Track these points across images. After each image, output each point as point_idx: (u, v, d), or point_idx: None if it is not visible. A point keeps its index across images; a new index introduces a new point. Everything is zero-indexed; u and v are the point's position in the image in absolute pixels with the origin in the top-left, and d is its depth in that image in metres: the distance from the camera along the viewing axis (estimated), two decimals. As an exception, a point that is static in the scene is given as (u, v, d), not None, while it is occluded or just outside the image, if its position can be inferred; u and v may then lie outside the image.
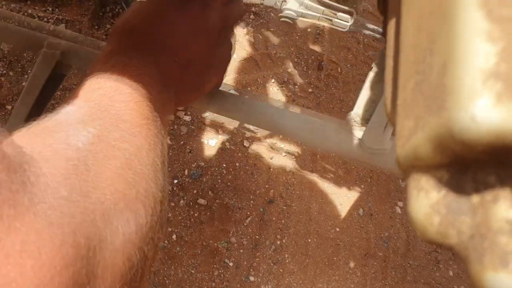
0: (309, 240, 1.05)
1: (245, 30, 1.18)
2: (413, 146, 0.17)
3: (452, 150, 0.15)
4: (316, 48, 1.25)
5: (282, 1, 0.58)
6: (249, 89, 1.16)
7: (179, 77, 0.40)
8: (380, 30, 0.51)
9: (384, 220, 1.12)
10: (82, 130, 0.28)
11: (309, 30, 1.24)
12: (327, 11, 0.52)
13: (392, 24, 0.26)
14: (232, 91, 0.55)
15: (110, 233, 0.24)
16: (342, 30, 0.50)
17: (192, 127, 1.10)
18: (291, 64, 1.22)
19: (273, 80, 1.20)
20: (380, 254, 1.08)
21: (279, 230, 1.05)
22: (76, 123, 0.28)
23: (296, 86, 1.22)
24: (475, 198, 0.16)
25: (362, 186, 1.13)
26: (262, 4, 0.56)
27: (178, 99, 0.41)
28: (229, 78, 1.14)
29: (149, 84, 0.35)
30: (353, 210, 1.12)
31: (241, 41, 1.16)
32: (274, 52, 1.22)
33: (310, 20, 0.53)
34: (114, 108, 0.31)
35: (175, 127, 1.09)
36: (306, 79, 1.23)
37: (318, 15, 0.53)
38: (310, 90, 1.23)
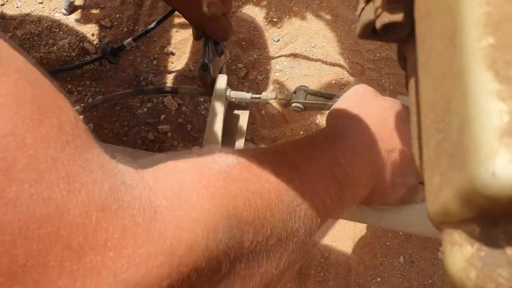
0: (351, 293, 1.02)
1: (272, 86, 1.21)
2: (442, 202, 0.18)
3: (478, 204, 0.16)
4: (342, 98, 1.27)
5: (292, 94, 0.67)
6: (278, 142, 1.17)
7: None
8: None
9: (427, 267, 1.08)
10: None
11: (333, 82, 1.26)
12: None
13: (412, 82, 0.26)
14: (250, 145, 0.57)
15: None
16: None
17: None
18: (318, 116, 1.23)
19: (301, 132, 1.21)
20: (426, 303, 1.03)
21: (318, 283, 1.02)
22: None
23: (325, 137, 1.23)
24: (509, 251, 0.16)
25: (401, 233, 1.10)
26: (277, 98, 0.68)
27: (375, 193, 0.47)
28: (258, 133, 1.17)
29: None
30: (393, 258, 1.08)
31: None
32: (301, 105, 1.24)
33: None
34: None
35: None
36: (334, 129, 1.24)
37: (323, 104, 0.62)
38: (339, 139, 1.23)
